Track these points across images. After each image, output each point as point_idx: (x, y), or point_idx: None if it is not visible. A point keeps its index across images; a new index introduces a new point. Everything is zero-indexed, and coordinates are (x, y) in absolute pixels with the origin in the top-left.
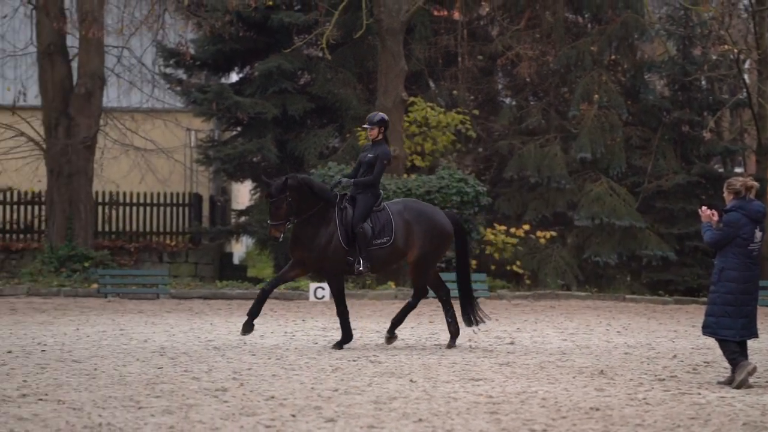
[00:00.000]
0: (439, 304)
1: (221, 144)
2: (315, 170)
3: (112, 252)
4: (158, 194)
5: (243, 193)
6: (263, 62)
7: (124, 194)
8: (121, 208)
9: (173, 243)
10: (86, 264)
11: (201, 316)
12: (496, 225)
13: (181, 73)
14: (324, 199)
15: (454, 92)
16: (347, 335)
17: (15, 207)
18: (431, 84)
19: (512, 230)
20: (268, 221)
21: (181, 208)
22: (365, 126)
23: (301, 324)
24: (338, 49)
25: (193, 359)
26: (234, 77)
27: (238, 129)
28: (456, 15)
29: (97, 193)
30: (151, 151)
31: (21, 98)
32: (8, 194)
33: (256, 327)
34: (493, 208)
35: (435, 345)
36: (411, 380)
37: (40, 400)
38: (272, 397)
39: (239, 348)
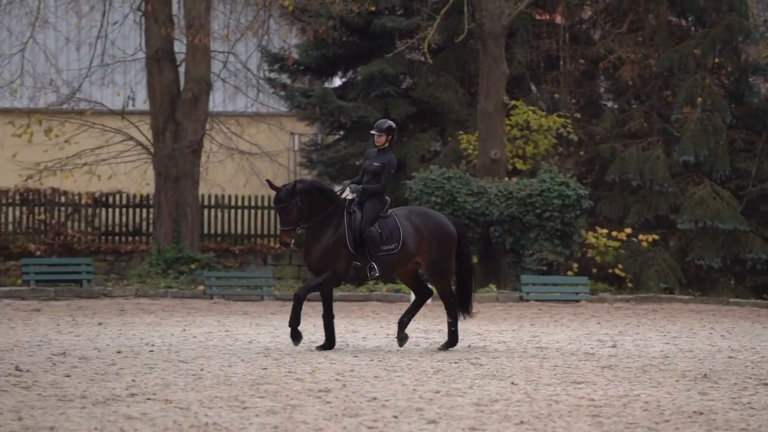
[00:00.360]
0: (414, 304)
1: (324, 147)
2: (416, 173)
3: (217, 254)
4: (262, 197)
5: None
6: (366, 66)
7: (230, 197)
8: (226, 211)
9: (277, 246)
10: (193, 266)
11: (304, 318)
12: (597, 228)
13: (285, 78)
14: (333, 203)
15: (556, 95)
16: (330, 342)
17: (124, 210)
18: (533, 87)
19: (614, 233)
20: (279, 227)
21: None
22: (372, 132)
23: None
24: (440, 53)
25: (296, 360)
26: (337, 81)
27: (341, 133)
28: (558, 19)
29: (203, 196)
30: (255, 155)
31: (130, 103)
32: (117, 197)
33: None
34: (594, 211)
35: (536, 348)
36: (512, 383)
37: (149, 399)
38: (374, 399)
39: (342, 350)
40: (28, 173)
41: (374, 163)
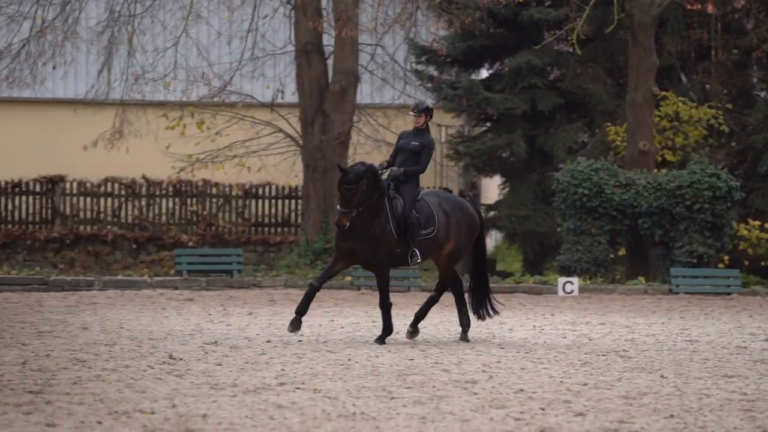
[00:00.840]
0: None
1: (471, 139)
2: (564, 165)
3: None
4: None
5: (492, 188)
6: (513, 58)
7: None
8: None
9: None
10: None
11: (450, 309)
12: (749, 220)
13: (432, 70)
14: (380, 189)
15: (707, 86)
16: (388, 329)
17: (273, 201)
18: (683, 78)
19: (767, 226)
20: (338, 207)
21: None
22: (411, 113)
23: (549, 318)
24: (589, 44)
25: (443, 351)
26: (484, 73)
27: (488, 125)
28: (710, 8)
29: None
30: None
31: (279, 96)
32: (267, 189)
33: (303, 323)
34: (746, 203)
35: (686, 341)
36: (662, 376)
37: (298, 388)
38: (521, 390)
39: (488, 341)
40: (181, 165)
41: (413, 142)
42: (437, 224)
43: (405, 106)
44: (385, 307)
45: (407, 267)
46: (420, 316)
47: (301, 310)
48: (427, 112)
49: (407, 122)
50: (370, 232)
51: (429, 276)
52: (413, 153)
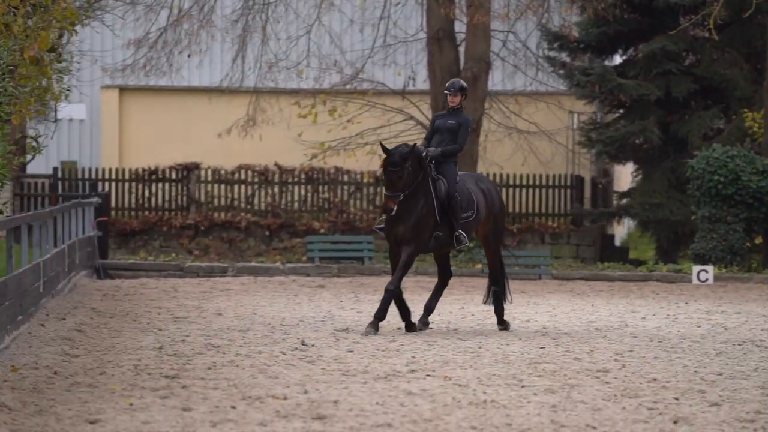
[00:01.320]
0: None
1: (603, 126)
2: (699, 152)
3: None
4: (540, 176)
5: (625, 175)
6: (647, 44)
7: (507, 176)
8: (504, 190)
9: (555, 224)
10: (470, 245)
11: (582, 297)
12: None
13: (564, 56)
14: (425, 170)
15: None
16: (382, 313)
17: None
18: None
19: None
20: (384, 191)
21: (562, 190)
22: (446, 92)
23: (683, 307)
24: (725, 29)
25: (574, 340)
26: (617, 59)
27: (621, 111)
28: None
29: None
30: (533, 134)
31: (410, 83)
32: None
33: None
34: None
35: None
36: None
37: (428, 375)
38: (654, 380)
39: (620, 330)
40: (313, 152)
41: (449, 122)
42: (476, 206)
43: (537, 93)
44: (392, 293)
45: (459, 250)
46: (430, 307)
47: (381, 315)
48: (462, 91)
49: (539, 109)
50: (416, 213)
51: (559, 264)
52: (450, 132)
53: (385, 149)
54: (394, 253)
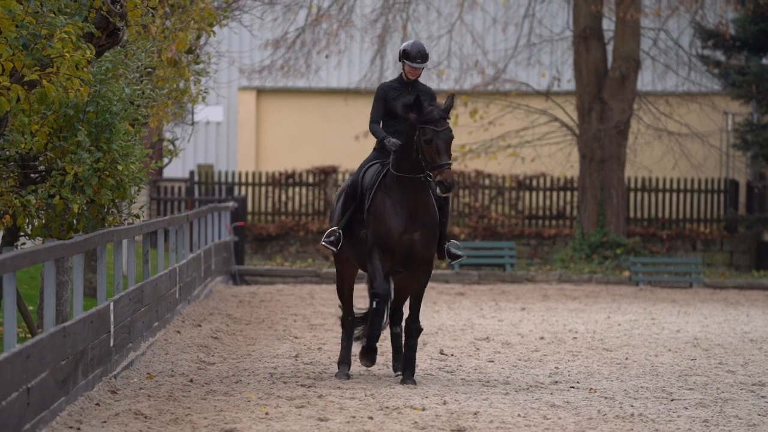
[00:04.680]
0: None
1: (760, 128)
2: None
3: (643, 239)
4: (691, 180)
5: None
6: None
7: (656, 180)
8: (653, 194)
9: (707, 231)
10: (618, 251)
11: (736, 307)
12: None
13: (719, 55)
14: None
15: None
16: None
17: (547, 193)
18: None
19: None
20: (439, 160)
21: (715, 195)
22: (410, 62)
23: None
24: None
25: (728, 351)
26: None
27: None
28: None
29: (629, 178)
30: (685, 136)
31: (555, 83)
32: (541, 180)
33: None
34: None
35: None
36: None
37: (572, 387)
38: None
39: None
40: (454, 155)
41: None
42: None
43: (689, 93)
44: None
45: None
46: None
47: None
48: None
49: (691, 110)
50: (432, 212)
51: (711, 272)
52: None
53: (418, 103)
54: (390, 263)
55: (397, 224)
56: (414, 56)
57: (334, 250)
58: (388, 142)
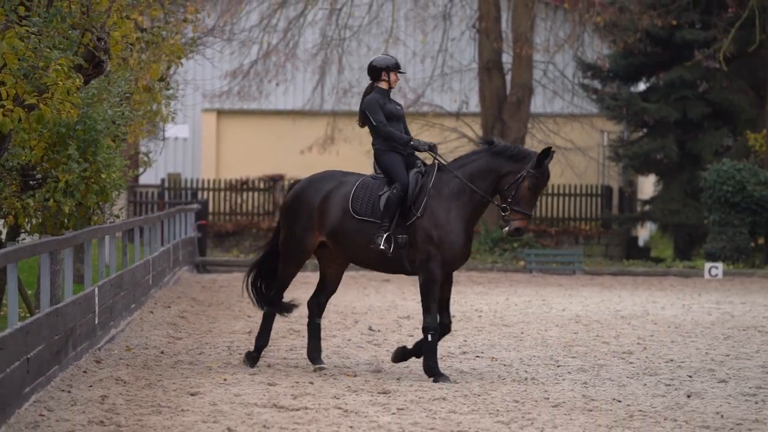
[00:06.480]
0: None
1: (629, 144)
2: (710, 166)
3: (536, 235)
4: (575, 186)
5: (647, 185)
6: (667, 73)
7: (547, 186)
8: (544, 198)
9: (587, 227)
10: (515, 245)
11: (610, 290)
12: None
13: (596, 83)
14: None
15: None
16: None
17: None
18: None
19: None
20: (520, 208)
21: (594, 198)
22: (392, 71)
23: (696, 298)
24: (734, 61)
25: (603, 326)
26: (642, 86)
27: (644, 130)
28: None
29: None
30: (569, 150)
31: (464, 106)
32: None
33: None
34: None
35: None
36: None
37: (477, 357)
38: (671, 360)
39: (643, 317)
40: None
41: (396, 107)
42: None
43: (572, 115)
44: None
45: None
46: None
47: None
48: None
49: (574, 129)
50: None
51: (590, 261)
52: (401, 119)
53: (545, 155)
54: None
55: (461, 238)
56: (398, 65)
57: (389, 252)
58: (416, 142)
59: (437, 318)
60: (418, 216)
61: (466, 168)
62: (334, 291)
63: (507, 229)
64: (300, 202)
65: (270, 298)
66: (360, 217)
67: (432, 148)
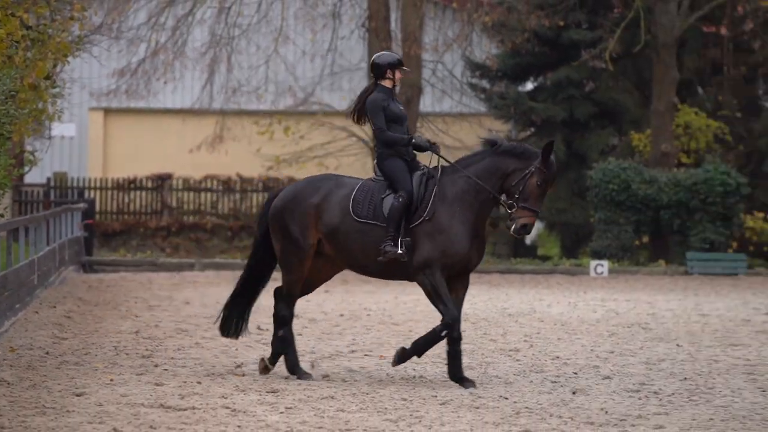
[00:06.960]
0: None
1: (517, 143)
2: (597, 165)
3: None
4: None
5: None
6: (555, 73)
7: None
8: None
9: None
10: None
11: (498, 288)
12: (755, 212)
13: (485, 83)
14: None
15: (720, 97)
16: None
17: None
18: (699, 90)
19: None
20: (530, 205)
21: None
22: (397, 68)
23: (582, 295)
24: (619, 61)
25: (491, 324)
26: (529, 86)
27: (532, 130)
28: (723, 30)
29: None
30: (458, 149)
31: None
32: None
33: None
34: (752, 197)
35: (699, 315)
36: (677, 344)
37: (366, 355)
38: (557, 357)
39: (530, 315)
40: (269, 165)
41: (400, 107)
42: None
43: (461, 114)
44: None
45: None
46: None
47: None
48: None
49: (463, 128)
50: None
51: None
52: (404, 121)
53: (550, 149)
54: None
55: (466, 243)
56: (401, 62)
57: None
58: (417, 139)
59: (455, 311)
60: (426, 219)
61: (472, 168)
62: (306, 294)
63: (513, 227)
64: (297, 201)
65: (283, 318)
66: (361, 220)
67: (433, 147)
